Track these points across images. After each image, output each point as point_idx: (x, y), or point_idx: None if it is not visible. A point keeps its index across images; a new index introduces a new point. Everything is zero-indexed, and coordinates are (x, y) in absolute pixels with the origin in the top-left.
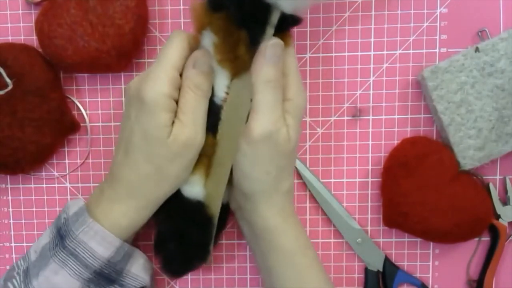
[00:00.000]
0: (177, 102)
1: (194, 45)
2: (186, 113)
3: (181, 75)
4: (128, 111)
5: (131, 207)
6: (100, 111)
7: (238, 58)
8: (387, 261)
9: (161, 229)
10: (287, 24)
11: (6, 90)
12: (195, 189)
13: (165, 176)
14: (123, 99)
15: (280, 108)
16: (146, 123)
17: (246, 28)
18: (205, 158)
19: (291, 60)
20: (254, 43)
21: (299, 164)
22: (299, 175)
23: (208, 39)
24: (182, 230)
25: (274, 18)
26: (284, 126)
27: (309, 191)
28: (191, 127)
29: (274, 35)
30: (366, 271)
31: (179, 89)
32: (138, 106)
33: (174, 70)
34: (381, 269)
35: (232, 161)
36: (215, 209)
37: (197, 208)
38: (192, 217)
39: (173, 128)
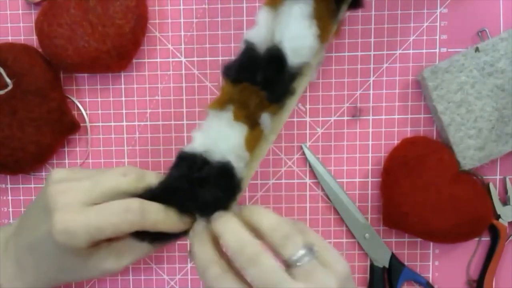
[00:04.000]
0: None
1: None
2: (127, 256)
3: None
4: (38, 209)
5: None
6: (100, 111)
7: (328, 29)
8: (393, 258)
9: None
10: (352, 6)
11: (6, 90)
12: (242, 165)
13: (60, 278)
14: (123, 99)
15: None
16: (58, 254)
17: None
18: (260, 133)
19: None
20: (337, 15)
21: (310, 157)
22: (312, 172)
23: (304, 6)
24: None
25: None
26: None
27: (321, 188)
28: (122, 265)
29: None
30: (372, 267)
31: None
32: (48, 232)
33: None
34: (387, 266)
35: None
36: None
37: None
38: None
39: (103, 254)
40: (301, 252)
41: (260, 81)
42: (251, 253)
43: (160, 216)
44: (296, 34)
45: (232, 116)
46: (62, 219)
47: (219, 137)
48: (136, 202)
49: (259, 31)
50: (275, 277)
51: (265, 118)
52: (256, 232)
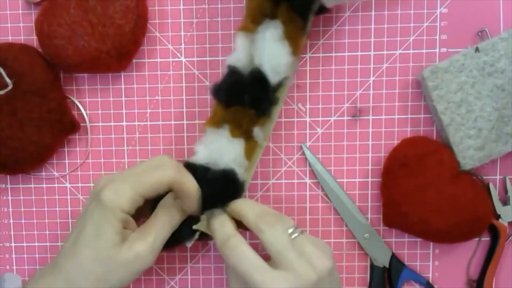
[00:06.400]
0: (131, 215)
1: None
2: (151, 232)
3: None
4: (87, 207)
5: None
6: (100, 111)
7: (300, 44)
8: (393, 257)
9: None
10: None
11: (6, 90)
12: (242, 170)
13: (107, 279)
14: (123, 99)
15: None
16: (100, 222)
17: (302, 16)
18: (255, 143)
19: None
20: (305, 29)
21: (310, 157)
22: (312, 172)
23: (274, 30)
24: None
25: (316, 7)
26: None
27: (321, 188)
28: (149, 245)
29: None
30: (372, 267)
31: (137, 206)
32: (96, 205)
33: (140, 194)
34: (387, 266)
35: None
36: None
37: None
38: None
39: (132, 236)
40: (290, 230)
41: (248, 102)
42: (269, 220)
43: (185, 175)
44: (272, 56)
45: (229, 134)
46: (109, 187)
47: (222, 151)
48: (166, 157)
49: (239, 56)
50: (284, 241)
51: (257, 131)
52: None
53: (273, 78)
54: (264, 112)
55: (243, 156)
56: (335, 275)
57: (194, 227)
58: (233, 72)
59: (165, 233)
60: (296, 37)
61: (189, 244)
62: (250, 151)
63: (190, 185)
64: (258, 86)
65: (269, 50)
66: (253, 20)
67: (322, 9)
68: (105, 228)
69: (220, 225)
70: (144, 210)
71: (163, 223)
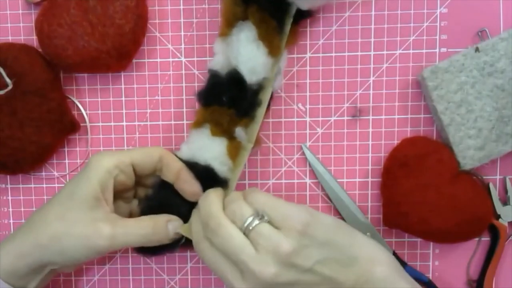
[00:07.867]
0: (117, 190)
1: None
2: (127, 225)
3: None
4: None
5: (15, 248)
6: (100, 111)
7: (276, 45)
8: (395, 256)
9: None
10: (301, 16)
11: (6, 90)
12: (225, 169)
13: (65, 241)
14: (123, 99)
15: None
16: (79, 181)
17: (275, 18)
18: (239, 144)
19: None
20: (281, 31)
21: (310, 157)
22: (312, 172)
23: (248, 32)
24: None
25: (293, 10)
26: None
27: (322, 187)
28: (115, 233)
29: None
30: None
31: (125, 176)
32: (82, 169)
33: (129, 157)
34: None
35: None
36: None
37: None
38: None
39: (105, 216)
40: (249, 219)
41: (225, 102)
42: (211, 225)
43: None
44: (247, 56)
45: (210, 133)
46: (99, 152)
47: (203, 149)
48: (159, 149)
49: (218, 59)
50: (232, 244)
51: (238, 132)
52: None
53: (249, 78)
54: (246, 113)
55: (225, 155)
56: (314, 238)
57: (178, 230)
58: (213, 75)
59: (138, 236)
60: (271, 38)
61: (176, 249)
62: (233, 152)
63: (178, 162)
64: (235, 86)
65: (244, 51)
66: (227, 24)
67: (305, 13)
68: (82, 187)
69: (195, 223)
70: (134, 209)
71: (143, 226)
